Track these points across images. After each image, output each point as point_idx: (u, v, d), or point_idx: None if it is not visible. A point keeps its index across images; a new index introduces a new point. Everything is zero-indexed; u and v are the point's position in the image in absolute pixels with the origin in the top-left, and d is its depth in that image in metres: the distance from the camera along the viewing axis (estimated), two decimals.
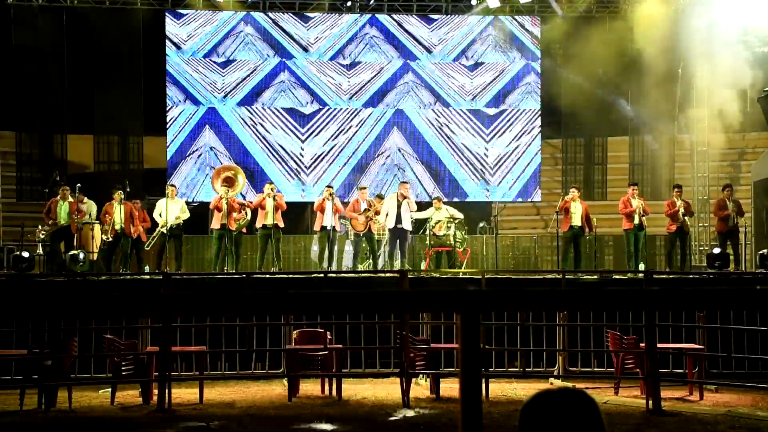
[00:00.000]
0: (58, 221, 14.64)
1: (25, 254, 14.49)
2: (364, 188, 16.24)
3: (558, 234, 16.06)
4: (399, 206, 15.23)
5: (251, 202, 15.79)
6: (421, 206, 16.49)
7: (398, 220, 15.17)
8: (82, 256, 14.23)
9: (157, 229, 15.12)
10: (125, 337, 10.37)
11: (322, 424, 8.71)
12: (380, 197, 16.45)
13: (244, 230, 15.65)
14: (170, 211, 15.03)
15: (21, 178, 19.38)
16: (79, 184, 15.08)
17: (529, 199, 19.98)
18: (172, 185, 15.76)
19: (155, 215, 15.24)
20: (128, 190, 15.08)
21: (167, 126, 19.13)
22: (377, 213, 15.48)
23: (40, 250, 14.92)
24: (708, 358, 10.45)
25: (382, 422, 8.94)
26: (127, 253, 15.11)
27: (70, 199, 14.68)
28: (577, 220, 15.35)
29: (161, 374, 9.46)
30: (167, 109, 19.15)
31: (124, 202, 14.85)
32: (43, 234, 14.71)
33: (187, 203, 16.72)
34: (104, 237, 14.96)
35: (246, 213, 15.53)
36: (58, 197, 14.73)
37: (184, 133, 19.25)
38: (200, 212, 17.20)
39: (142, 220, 15.31)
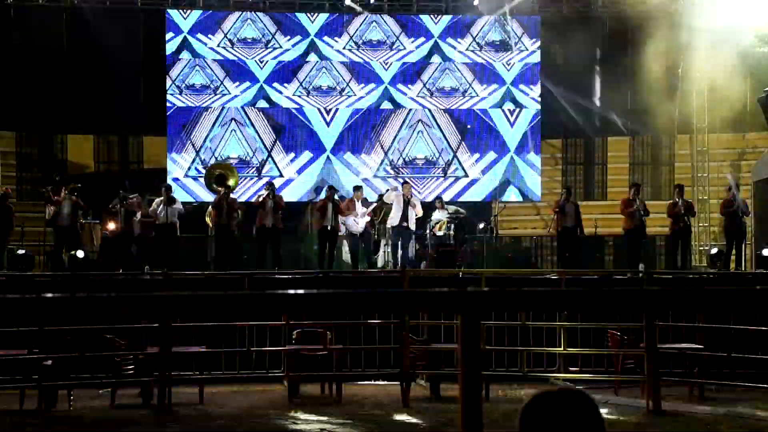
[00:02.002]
0: (61, 222, 14.64)
1: (21, 252, 14.50)
2: (359, 188, 16.25)
3: (557, 234, 16.10)
4: (405, 205, 15.26)
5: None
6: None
7: (403, 218, 15.20)
8: (81, 254, 14.22)
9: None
10: (125, 337, 10.36)
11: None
12: (381, 197, 16.46)
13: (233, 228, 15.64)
14: (166, 210, 15.05)
15: (21, 178, 19.37)
16: (79, 185, 15.08)
17: (529, 199, 19.97)
18: (167, 186, 15.74)
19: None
20: (126, 193, 15.04)
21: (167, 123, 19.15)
22: (374, 213, 15.49)
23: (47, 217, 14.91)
24: (708, 358, 10.45)
25: (382, 423, 8.93)
26: (130, 252, 15.11)
27: (72, 198, 14.70)
28: (570, 221, 15.38)
29: (161, 374, 9.46)
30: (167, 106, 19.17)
31: (124, 204, 14.83)
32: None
33: (186, 203, 16.74)
34: (107, 234, 15.00)
35: (239, 214, 15.58)
36: (62, 197, 14.71)
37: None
38: (200, 212, 17.19)
39: (144, 215, 15.29)
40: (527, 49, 20.02)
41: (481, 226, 17.63)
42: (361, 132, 19.70)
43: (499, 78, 19.97)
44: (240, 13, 19.58)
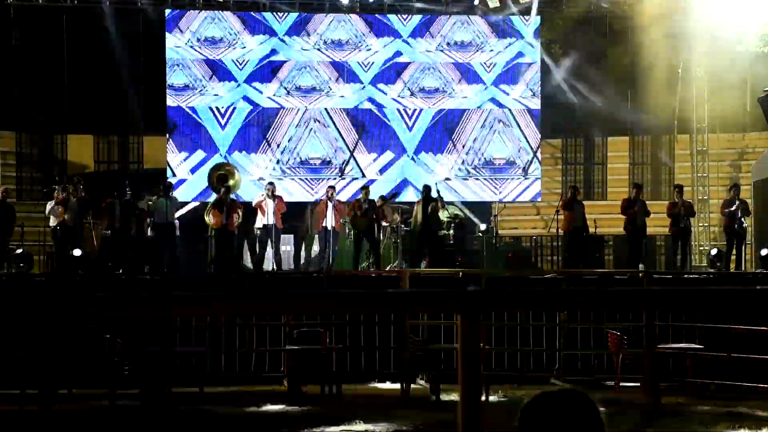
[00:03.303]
0: (66, 220, 14.65)
1: (20, 251, 14.52)
2: (366, 188, 16.23)
3: (558, 234, 16.08)
4: (425, 208, 15.24)
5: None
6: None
7: (425, 222, 15.20)
8: (78, 253, 14.21)
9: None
10: (125, 337, 10.36)
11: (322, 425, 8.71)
12: (383, 198, 16.45)
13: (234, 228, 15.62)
14: (165, 209, 15.03)
15: (21, 178, 19.38)
16: (82, 179, 15.18)
17: (529, 199, 19.95)
18: (168, 183, 15.75)
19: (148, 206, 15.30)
20: (129, 191, 15.07)
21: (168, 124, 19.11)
22: (376, 213, 15.48)
23: (51, 222, 14.93)
24: (708, 358, 10.45)
25: (382, 423, 8.93)
26: (130, 253, 15.10)
27: (80, 194, 14.74)
28: (579, 220, 15.36)
29: (161, 374, 9.46)
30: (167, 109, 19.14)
31: (124, 200, 14.83)
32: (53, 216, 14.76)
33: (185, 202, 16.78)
34: (104, 232, 15.00)
35: (239, 214, 15.59)
36: (66, 195, 14.71)
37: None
38: (200, 212, 17.20)
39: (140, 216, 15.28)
40: (527, 49, 20.00)
41: (483, 227, 17.63)
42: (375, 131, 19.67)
43: (502, 77, 19.94)
44: (207, 12, 19.41)
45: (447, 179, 18.28)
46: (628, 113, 20.14)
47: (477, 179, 19.68)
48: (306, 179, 19.19)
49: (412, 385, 10.18)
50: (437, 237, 15.64)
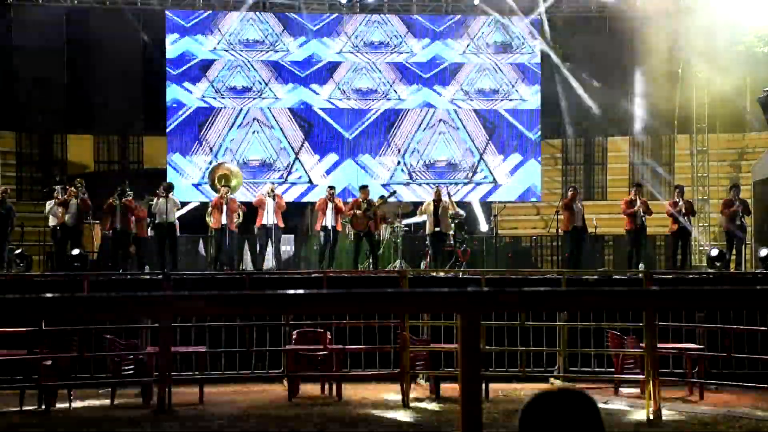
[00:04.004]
0: (66, 221, 14.65)
1: (19, 251, 14.53)
2: (365, 187, 16.22)
3: (558, 234, 16.08)
4: (436, 210, 15.23)
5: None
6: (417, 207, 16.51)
7: (436, 224, 15.19)
8: (76, 252, 14.21)
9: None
10: (125, 337, 10.36)
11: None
12: (383, 198, 16.42)
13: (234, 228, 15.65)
14: (166, 209, 15.01)
15: (21, 178, 19.39)
16: (83, 181, 15.20)
17: (529, 199, 19.95)
18: (168, 183, 15.76)
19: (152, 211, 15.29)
20: (129, 191, 15.07)
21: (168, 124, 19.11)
22: (375, 212, 15.48)
23: (51, 222, 14.96)
24: (708, 358, 10.45)
25: (382, 423, 8.93)
26: (128, 252, 15.10)
27: (82, 196, 14.75)
28: (579, 220, 15.36)
29: (161, 374, 9.45)
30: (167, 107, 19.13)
31: (126, 200, 14.82)
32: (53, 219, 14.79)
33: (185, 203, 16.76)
34: (107, 233, 15.00)
35: (239, 215, 15.62)
36: (68, 196, 14.71)
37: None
38: (201, 212, 17.20)
39: (139, 216, 15.25)
40: (528, 50, 20.01)
41: (485, 229, 17.61)
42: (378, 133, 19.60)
43: (504, 78, 19.95)
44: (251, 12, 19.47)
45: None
46: (628, 113, 20.14)
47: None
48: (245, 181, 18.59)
49: (412, 385, 10.17)
50: (445, 238, 15.66)
